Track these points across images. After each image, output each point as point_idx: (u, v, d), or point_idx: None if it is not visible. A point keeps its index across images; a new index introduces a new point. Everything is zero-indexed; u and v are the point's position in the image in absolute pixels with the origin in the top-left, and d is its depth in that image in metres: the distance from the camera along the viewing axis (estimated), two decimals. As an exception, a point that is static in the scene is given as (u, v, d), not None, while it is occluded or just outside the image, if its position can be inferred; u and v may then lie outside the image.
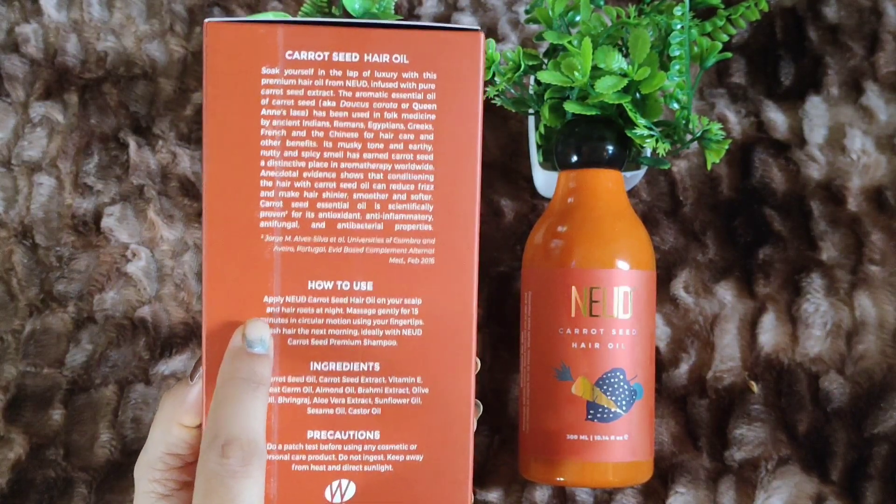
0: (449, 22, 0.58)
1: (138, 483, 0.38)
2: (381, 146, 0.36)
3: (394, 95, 0.36)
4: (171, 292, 0.53)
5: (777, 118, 0.56)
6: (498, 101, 0.49)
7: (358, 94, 0.36)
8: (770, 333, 0.52)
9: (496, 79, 0.46)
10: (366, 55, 0.36)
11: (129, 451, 0.51)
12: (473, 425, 0.38)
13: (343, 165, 0.36)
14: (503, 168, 0.55)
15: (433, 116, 0.37)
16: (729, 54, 0.47)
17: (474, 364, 0.37)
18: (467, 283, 0.37)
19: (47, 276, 0.53)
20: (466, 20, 0.58)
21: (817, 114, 0.56)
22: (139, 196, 0.55)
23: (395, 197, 0.37)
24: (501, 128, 0.55)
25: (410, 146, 0.37)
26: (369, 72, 0.36)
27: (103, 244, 0.54)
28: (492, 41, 0.46)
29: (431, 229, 0.37)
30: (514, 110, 0.49)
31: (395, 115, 0.36)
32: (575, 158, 0.46)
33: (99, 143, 0.55)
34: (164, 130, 0.55)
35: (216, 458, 0.32)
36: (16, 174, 0.55)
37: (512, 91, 0.49)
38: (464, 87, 0.37)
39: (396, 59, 0.36)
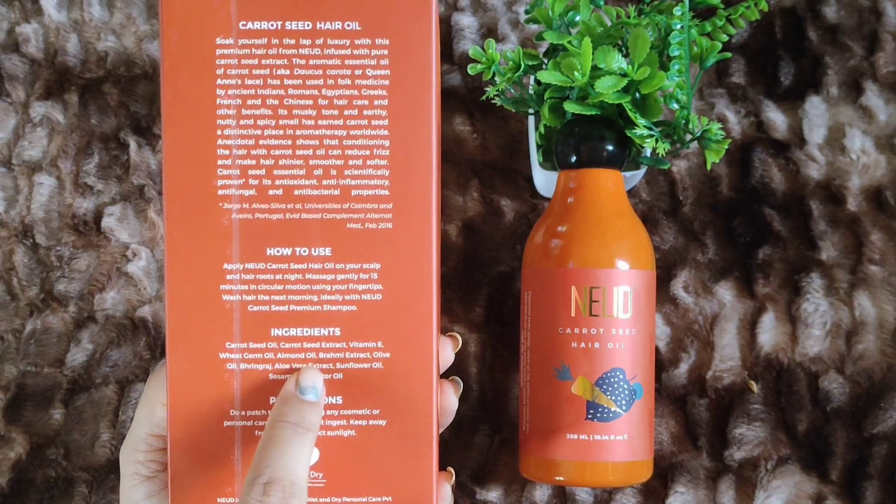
0: (449, 22, 0.58)
1: (123, 466, 0.38)
2: (336, 112, 0.37)
3: (347, 62, 0.37)
4: (172, 292, 0.53)
5: (777, 118, 0.56)
6: (498, 101, 0.49)
7: (311, 62, 0.37)
8: (770, 333, 0.52)
9: (496, 79, 0.46)
10: (318, 23, 0.36)
11: (129, 451, 0.51)
12: (438, 391, 0.38)
13: (298, 132, 0.37)
14: (503, 168, 0.55)
15: (387, 82, 0.37)
16: (728, 54, 0.47)
17: (436, 328, 0.37)
18: (426, 248, 0.37)
19: (48, 276, 0.54)
20: (466, 20, 0.58)
21: (817, 114, 0.56)
22: (139, 196, 0.55)
23: (350, 163, 0.37)
24: (501, 128, 0.55)
25: (365, 112, 0.37)
26: (322, 39, 0.37)
27: (104, 244, 0.54)
28: (492, 41, 0.46)
29: (388, 194, 0.37)
30: (514, 110, 0.49)
31: (349, 82, 0.37)
32: (574, 158, 0.46)
33: (99, 142, 0.55)
34: (165, 130, 0.55)
35: (257, 496, 0.33)
36: (16, 174, 0.55)
37: (512, 91, 0.49)
38: (416, 51, 0.37)
39: (349, 25, 0.37)
